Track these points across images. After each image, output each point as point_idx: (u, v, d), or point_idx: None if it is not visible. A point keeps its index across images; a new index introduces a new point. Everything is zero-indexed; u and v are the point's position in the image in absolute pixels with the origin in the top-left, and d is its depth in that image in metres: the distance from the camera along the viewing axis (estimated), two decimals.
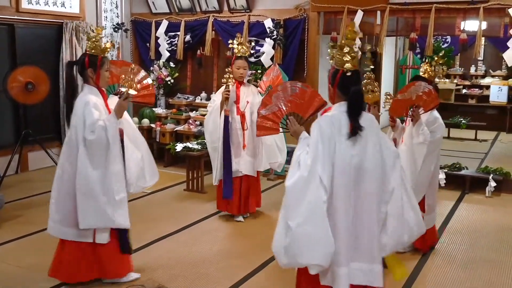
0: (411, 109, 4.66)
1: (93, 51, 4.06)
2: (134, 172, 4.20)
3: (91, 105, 3.94)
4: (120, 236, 4.20)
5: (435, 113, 4.82)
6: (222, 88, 5.69)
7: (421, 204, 4.77)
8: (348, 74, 3.14)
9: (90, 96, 4.01)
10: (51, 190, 4.17)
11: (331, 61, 3.29)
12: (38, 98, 7.67)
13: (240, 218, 5.93)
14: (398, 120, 4.87)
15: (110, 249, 4.17)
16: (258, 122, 3.44)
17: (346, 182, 3.09)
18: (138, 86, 4.19)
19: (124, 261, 4.29)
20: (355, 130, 3.06)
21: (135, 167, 4.20)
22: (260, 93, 5.87)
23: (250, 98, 5.74)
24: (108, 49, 4.14)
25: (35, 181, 7.61)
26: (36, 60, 7.96)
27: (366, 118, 3.16)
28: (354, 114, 3.09)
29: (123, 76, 4.20)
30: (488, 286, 4.44)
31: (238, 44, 5.71)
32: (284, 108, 3.36)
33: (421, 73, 4.99)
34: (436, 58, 5.02)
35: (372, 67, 4.15)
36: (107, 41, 4.17)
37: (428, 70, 4.95)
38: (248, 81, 6.20)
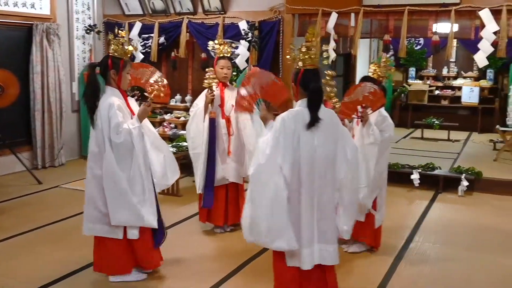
0: (360, 110, 4.75)
1: (116, 53, 4.15)
2: (159, 172, 4.39)
3: (116, 107, 4.05)
4: (153, 231, 4.43)
5: (384, 112, 4.89)
6: (205, 92, 5.44)
7: (374, 202, 4.93)
8: (308, 72, 3.48)
9: (113, 98, 4.10)
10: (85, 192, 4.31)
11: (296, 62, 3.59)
12: (8, 102, 7.62)
13: (220, 230, 5.71)
14: (346, 121, 4.89)
15: (142, 243, 4.35)
16: (237, 99, 3.82)
17: (310, 171, 3.41)
18: (162, 89, 4.35)
19: (154, 254, 4.51)
20: (312, 121, 3.38)
21: (159, 167, 4.39)
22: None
23: (233, 101, 5.37)
24: (130, 53, 4.23)
25: (5, 186, 7.51)
26: (5, 63, 7.85)
27: (325, 112, 3.49)
28: (312, 107, 3.40)
29: (149, 81, 4.37)
30: (462, 284, 4.54)
31: (220, 44, 5.53)
32: (258, 93, 3.70)
33: (369, 74, 5.04)
34: (384, 59, 5.09)
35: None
36: (131, 45, 4.28)
37: (377, 70, 5.00)
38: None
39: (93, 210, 4.25)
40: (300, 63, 3.53)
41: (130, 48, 4.24)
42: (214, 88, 5.43)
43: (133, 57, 9.11)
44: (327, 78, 4.29)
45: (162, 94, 4.34)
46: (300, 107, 3.48)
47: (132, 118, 4.19)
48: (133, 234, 4.26)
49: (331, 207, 3.54)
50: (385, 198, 5.14)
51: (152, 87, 4.31)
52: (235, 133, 5.51)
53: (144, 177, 4.22)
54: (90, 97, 4.13)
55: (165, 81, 4.45)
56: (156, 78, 4.41)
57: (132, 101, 4.37)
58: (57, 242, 5.39)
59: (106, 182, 4.13)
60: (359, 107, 4.72)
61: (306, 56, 3.50)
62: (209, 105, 5.37)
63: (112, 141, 4.05)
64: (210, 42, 5.68)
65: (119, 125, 4.04)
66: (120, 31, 4.30)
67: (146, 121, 4.36)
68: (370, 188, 4.78)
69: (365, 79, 5.00)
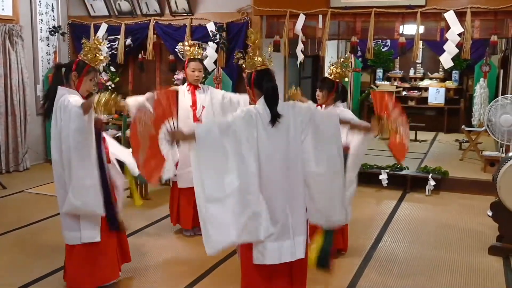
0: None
1: (85, 57, 4.10)
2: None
3: (69, 97, 3.92)
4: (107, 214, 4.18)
5: (339, 111, 4.84)
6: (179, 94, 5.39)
7: None
8: (260, 72, 3.58)
9: (72, 95, 3.99)
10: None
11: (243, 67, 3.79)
12: None
13: (190, 233, 5.70)
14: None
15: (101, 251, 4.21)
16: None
17: (277, 166, 3.48)
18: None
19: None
20: (274, 118, 3.46)
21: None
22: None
23: (206, 102, 5.49)
24: (99, 62, 4.17)
25: None
26: None
27: (284, 106, 3.56)
28: (270, 104, 3.50)
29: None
30: (429, 281, 4.64)
31: (190, 46, 5.48)
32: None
33: (328, 75, 5.09)
34: (342, 60, 5.15)
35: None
36: (104, 55, 4.26)
37: (335, 71, 5.05)
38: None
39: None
40: (250, 67, 3.64)
41: (101, 57, 4.17)
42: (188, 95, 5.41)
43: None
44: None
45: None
46: (258, 106, 3.56)
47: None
48: (91, 237, 4.11)
49: (301, 200, 3.60)
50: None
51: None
52: None
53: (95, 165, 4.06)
54: (50, 98, 4.06)
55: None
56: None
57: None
58: (22, 248, 5.34)
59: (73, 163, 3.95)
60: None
61: (254, 59, 3.62)
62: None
63: (77, 113, 3.84)
64: (180, 44, 5.65)
65: (77, 104, 3.88)
66: (97, 39, 4.27)
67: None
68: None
69: (323, 80, 5.06)
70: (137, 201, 4.61)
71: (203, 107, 5.46)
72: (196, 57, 5.48)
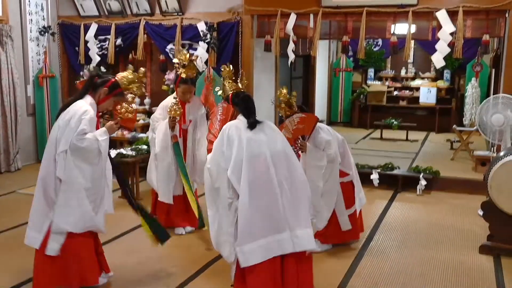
0: (298, 143, 4.91)
1: (121, 81, 4.22)
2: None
3: (89, 117, 4.02)
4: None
5: (319, 132, 4.96)
6: (166, 102, 5.48)
7: (353, 201, 5.25)
8: (235, 93, 4.28)
9: (90, 108, 4.08)
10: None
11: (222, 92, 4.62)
12: None
13: (182, 231, 5.73)
14: None
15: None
16: (208, 146, 4.30)
17: (262, 163, 3.78)
18: (131, 114, 4.41)
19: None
20: (253, 123, 3.92)
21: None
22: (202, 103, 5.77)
23: (193, 116, 5.56)
24: (131, 91, 4.29)
25: None
26: None
27: (265, 122, 4.03)
28: (247, 111, 4.01)
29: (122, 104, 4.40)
30: (420, 279, 4.65)
31: (183, 67, 5.41)
32: (218, 129, 4.26)
33: (280, 114, 5.20)
34: (282, 96, 5.07)
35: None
36: (139, 86, 4.32)
37: (283, 106, 5.08)
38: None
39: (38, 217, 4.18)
40: (228, 91, 4.40)
41: (135, 88, 4.28)
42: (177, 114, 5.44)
43: (90, 59, 9.07)
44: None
45: (130, 116, 4.39)
46: (239, 119, 4.03)
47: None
48: (52, 250, 4.09)
49: (294, 195, 3.84)
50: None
51: (121, 107, 4.34)
52: (191, 147, 5.64)
53: (103, 185, 4.20)
54: (77, 97, 4.15)
55: (135, 106, 4.51)
56: (126, 103, 4.44)
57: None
58: (13, 250, 5.28)
59: (63, 184, 4.02)
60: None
61: (228, 86, 4.46)
62: (170, 130, 5.41)
63: (72, 144, 3.95)
64: (176, 61, 5.51)
65: (84, 132, 3.99)
66: (141, 70, 4.37)
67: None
68: (323, 211, 4.99)
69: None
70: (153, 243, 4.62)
71: (190, 121, 5.54)
72: (189, 78, 5.43)
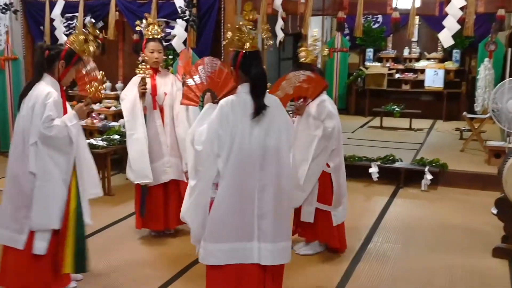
0: (297, 103, 4.81)
1: (74, 46, 4.10)
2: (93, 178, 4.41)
3: (52, 102, 3.96)
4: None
5: (324, 102, 4.87)
6: (135, 80, 5.38)
7: (329, 198, 4.99)
8: (248, 54, 3.55)
9: (52, 90, 4.02)
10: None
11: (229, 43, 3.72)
12: None
13: (159, 234, 5.67)
14: None
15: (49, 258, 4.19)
16: (184, 90, 4.09)
17: (250, 162, 3.52)
18: (96, 85, 4.28)
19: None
20: (259, 109, 3.49)
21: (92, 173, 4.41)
22: (178, 80, 5.65)
23: (168, 88, 5.46)
24: (89, 54, 4.21)
25: None
26: None
27: (269, 98, 3.62)
28: (257, 94, 3.52)
29: (81, 72, 4.42)
30: (425, 286, 4.60)
31: (149, 25, 5.44)
32: (204, 83, 3.94)
33: (302, 60, 5.03)
34: (313, 39, 5.09)
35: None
36: (95, 47, 4.22)
37: (307, 54, 4.98)
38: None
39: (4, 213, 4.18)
40: (239, 44, 3.58)
41: (92, 49, 4.18)
42: (147, 80, 5.33)
43: (56, 39, 8.94)
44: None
45: (102, 95, 4.35)
46: (239, 93, 3.58)
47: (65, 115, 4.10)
48: (40, 249, 4.08)
49: (275, 204, 3.62)
50: (346, 194, 5.15)
51: (88, 84, 4.27)
52: (170, 124, 5.44)
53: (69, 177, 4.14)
54: (32, 83, 4.08)
55: (99, 74, 4.42)
56: (88, 69, 4.43)
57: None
58: None
59: (37, 179, 3.99)
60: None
61: (245, 37, 3.56)
62: (141, 99, 5.29)
63: (41, 133, 3.93)
64: (137, 22, 5.57)
65: (51, 118, 3.95)
66: (91, 26, 4.29)
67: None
68: (306, 182, 4.86)
69: (298, 66, 4.95)
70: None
71: (166, 93, 5.41)
72: (156, 36, 5.43)
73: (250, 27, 3.63)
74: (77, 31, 4.20)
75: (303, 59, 4.98)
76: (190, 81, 3.99)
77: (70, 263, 4.20)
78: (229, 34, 3.66)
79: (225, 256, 3.60)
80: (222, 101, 3.56)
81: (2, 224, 4.16)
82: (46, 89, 4.00)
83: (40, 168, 3.98)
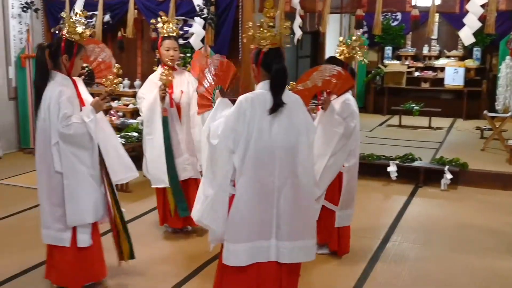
0: (324, 97, 4.73)
1: (70, 36, 4.06)
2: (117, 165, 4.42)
3: (65, 98, 3.97)
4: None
5: (348, 98, 4.82)
6: (151, 78, 5.41)
7: (336, 197, 4.92)
8: (270, 51, 3.52)
9: (63, 87, 4.01)
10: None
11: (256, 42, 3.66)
12: None
13: (177, 231, 5.67)
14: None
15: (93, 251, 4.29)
16: (198, 100, 4.00)
17: (268, 160, 3.48)
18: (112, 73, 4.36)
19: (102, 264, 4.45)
20: (276, 106, 3.44)
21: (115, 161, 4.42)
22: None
23: (184, 87, 5.44)
24: (87, 37, 4.17)
25: None
26: None
27: (290, 96, 3.58)
28: (276, 90, 3.47)
29: (97, 60, 4.50)
30: (444, 287, 4.55)
31: (164, 23, 5.43)
32: (212, 83, 3.88)
33: (336, 55, 4.99)
34: (354, 38, 5.02)
35: None
36: (87, 28, 4.20)
37: (345, 51, 4.93)
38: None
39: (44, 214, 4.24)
40: (262, 42, 3.55)
41: (88, 31, 4.15)
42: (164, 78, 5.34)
43: None
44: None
45: (113, 84, 4.25)
46: (260, 89, 3.55)
47: (82, 110, 4.10)
48: (84, 241, 4.17)
49: (293, 202, 3.59)
50: (355, 195, 5.08)
51: (105, 76, 4.27)
52: (186, 122, 5.44)
53: (98, 171, 4.21)
54: (40, 85, 4.05)
55: (113, 61, 4.46)
56: (103, 57, 4.44)
57: (83, 89, 4.30)
58: None
59: (65, 178, 4.02)
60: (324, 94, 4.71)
61: (267, 34, 3.53)
62: (161, 102, 5.27)
63: (61, 132, 3.95)
64: (152, 20, 5.55)
65: (68, 116, 3.95)
66: (76, 10, 4.31)
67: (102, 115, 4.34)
68: (322, 179, 4.81)
69: (330, 60, 4.90)
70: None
71: (182, 91, 5.39)
72: (171, 34, 5.41)
73: (271, 24, 3.57)
74: (66, 22, 4.11)
75: (338, 55, 4.93)
76: (201, 89, 3.97)
77: (127, 250, 4.40)
78: (251, 31, 3.63)
79: (246, 256, 3.58)
80: (241, 97, 3.52)
81: (44, 224, 4.21)
82: (57, 87, 4.00)
83: (65, 167, 4.00)
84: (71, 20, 4.09)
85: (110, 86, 4.20)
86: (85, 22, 4.27)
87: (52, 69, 4.09)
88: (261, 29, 3.55)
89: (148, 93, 5.34)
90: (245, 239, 3.56)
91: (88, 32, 4.15)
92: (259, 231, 3.57)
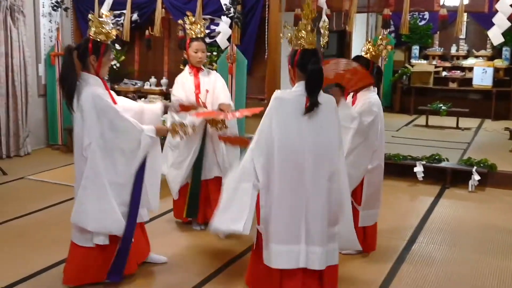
0: (331, 89, 4.64)
1: (97, 37, 4.11)
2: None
3: (101, 95, 4.04)
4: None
5: (370, 99, 4.74)
6: (181, 77, 5.46)
7: (359, 197, 4.87)
8: (306, 52, 3.60)
9: (95, 87, 4.07)
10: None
11: (288, 42, 3.76)
12: None
13: (201, 227, 5.66)
14: None
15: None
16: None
17: (299, 161, 3.54)
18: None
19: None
20: (311, 106, 3.49)
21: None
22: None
23: (210, 86, 5.46)
24: (113, 36, 4.23)
25: None
26: None
27: (324, 97, 3.61)
28: (311, 90, 3.52)
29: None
30: None
31: (191, 24, 5.44)
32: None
33: (362, 53, 4.92)
34: (380, 37, 4.96)
35: None
36: (112, 28, 4.27)
37: (371, 49, 4.87)
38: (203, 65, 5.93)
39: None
40: (299, 43, 3.63)
41: (113, 31, 4.20)
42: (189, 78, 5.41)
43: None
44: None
45: (176, 130, 4.39)
46: (296, 90, 3.61)
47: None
48: (99, 240, 4.18)
49: (325, 205, 3.62)
50: (380, 195, 5.03)
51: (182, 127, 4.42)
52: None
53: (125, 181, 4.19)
54: (70, 86, 4.05)
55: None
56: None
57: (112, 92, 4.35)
58: (22, 239, 5.38)
59: (85, 177, 4.07)
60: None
61: (304, 36, 3.60)
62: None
63: (111, 122, 4.00)
64: (180, 21, 5.59)
65: (112, 106, 4.04)
66: (102, 11, 4.23)
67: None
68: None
69: (357, 59, 4.86)
70: None
71: (207, 91, 5.42)
72: (199, 36, 5.43)
73: (309, 27, 3.64)
74: (93, 23, 4.15)
75: (364, 53, 4.88)
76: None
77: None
78: (289, 33, 3.71)
79: (280, 258, 3.61)
80: (278, 94, 3.63)
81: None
82: (89, 88, 4.03)
83: (88, 168, 4.03)
84: (97, 20, 4.11)
85: (172, 131, 4.34)
86: (112, 22, 4.32)
87: (81, 70, 4.12)
88: (297, 31, 3.62)
89: (181, 93, 5.37)
90: (279, 241, 3.61)
91: (114, 32, 4.21)
92: (290, 234, 3.62)
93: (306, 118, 3.52)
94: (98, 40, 4.10)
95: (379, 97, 4.90)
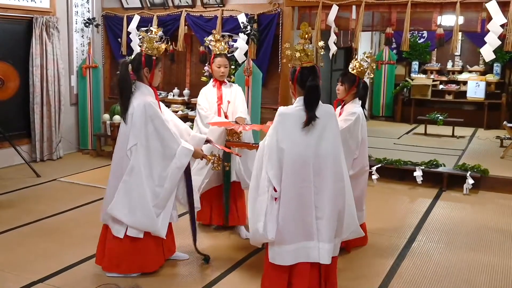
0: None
1: (149, 51, 4.25)
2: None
3: (152, 103, 4.12)
4: None
5: (355, 110, 4.71)
6: (206, 89, 5.44)
7: None
8: (305, 70, 3.60)
9: (149, 97, 4.18)
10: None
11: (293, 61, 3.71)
12: (8, 95, 7.87)
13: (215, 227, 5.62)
14: None
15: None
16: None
17: (304, 169, 3.53)
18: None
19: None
20: (309, 120, 3.50)
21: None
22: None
23: (232, 97, 5.45)
24: (162, 50, 4.34)
25: (4, 179, 7.49)
26: (5, 56, 7.95)
27: (323, 107, 3.62)
28: (309, 105, 3.53)
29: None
30: (466, 285, 4.42)
31: (216, 41, 5.44)
32: None
33: (350, 70, 4.87)
34: (366, 55, 4.90)
35: None
36: (162, 42, 4.40)
37: (357, 66, 4.82)
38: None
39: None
40: (297, 62, 3.62)
41: (163, 46, 4.32)
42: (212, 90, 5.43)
43: (132, 50, 9.08)
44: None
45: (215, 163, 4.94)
46: (296, 105, 3.61)
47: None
48: (133, 232, 4.25)
49: (330, 205, 3.61)
50: (363, 200, 4.99)
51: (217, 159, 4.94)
52: None
53: (170, 193, 4.28)
54: (125, 96, 4.17)
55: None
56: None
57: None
58: (54, 236, 5.39)
59: (126, 174, 4.14)
60: None
61: (302, 54, 3.59)
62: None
63: (155, 120, 4.09)
64: (206, 38, 5.56)
65: (163, 121, 4.16)
66: (152, 29, 4.41)
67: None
68: None
69: (345, 75, 4.84)
70: None
71: (229, 102, 5.41)
72: (222, 52, 5.42)
73: (307, 45, 3.63)
74: (144, 39, 4.28)
75: (351, 70, 4.83)
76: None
77: None
78: (288, 51, 3.69)
79: (290, 256, 3.61)
80: (282, 109, 3.62)
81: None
82: (142, 97, 4.14)
83: (131, 166, 4.11)
84: (148, 37, 4.23)
85: (212, 162, 4.72)
86: (161, 38, 4.40)
87: (136, 80, 4.22)
88: (297, 49, 3.60)
89: (206, 103, 5.38)
90: (289, 242, 3.60)
91: (163, 46, 4.31)
92: (302, 233, 3.60)
93: (306, 129, 3.53)
94: (150, 54, 4.22)
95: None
